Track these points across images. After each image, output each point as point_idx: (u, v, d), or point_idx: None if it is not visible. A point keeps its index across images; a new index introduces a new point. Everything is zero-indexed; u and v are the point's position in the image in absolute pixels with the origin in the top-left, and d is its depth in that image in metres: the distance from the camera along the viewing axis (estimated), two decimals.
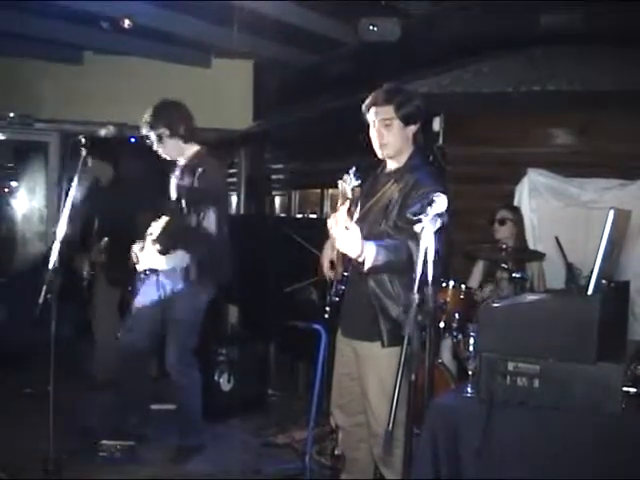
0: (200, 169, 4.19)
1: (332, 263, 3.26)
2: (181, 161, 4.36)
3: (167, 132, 4.23)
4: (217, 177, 4.37)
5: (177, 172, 4.37)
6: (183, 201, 4.21)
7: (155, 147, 4.29)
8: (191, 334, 4.28)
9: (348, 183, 2.79)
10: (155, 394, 4.85)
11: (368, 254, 2.84)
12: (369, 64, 6.34)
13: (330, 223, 2.89)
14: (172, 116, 4.27)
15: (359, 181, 2.89)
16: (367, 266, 2.88)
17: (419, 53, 5.99)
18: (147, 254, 4.24)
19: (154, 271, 4.26)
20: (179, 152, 4.33)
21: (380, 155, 3.23)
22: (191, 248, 4.17)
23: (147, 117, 4.25)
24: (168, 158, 4.36)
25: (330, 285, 3.21)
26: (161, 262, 4.19)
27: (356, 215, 3.21)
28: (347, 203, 2.82)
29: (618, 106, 5.04)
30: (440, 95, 5.34)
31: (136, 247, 4.30)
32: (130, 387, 4.43)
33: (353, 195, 2.85)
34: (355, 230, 2.83)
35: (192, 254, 4.17)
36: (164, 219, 4.23)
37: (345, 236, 2.81)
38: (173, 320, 4.24)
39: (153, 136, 4.26)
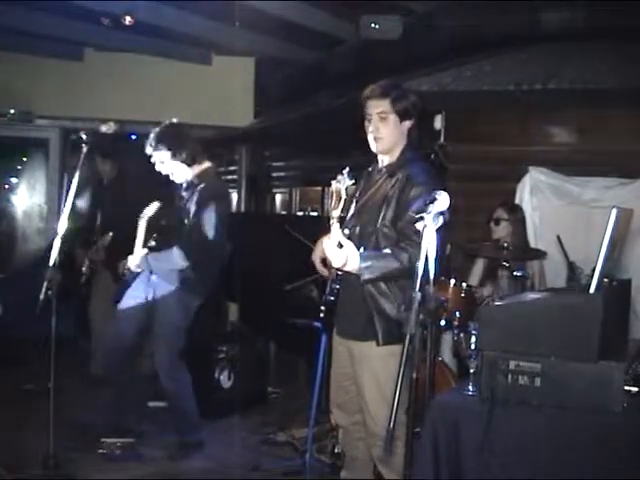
0: (200, 188, 4.23)
1: (324, 261, 3.25)
2: (186, 180, 4.35)
3: (169, 155, 4.23)
4: (215, 197, 4.30)
5: (180, 187, 4.38)
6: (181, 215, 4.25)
7: (157, 168, 4.29)
8: (179, 338, 4.28)
9: (342, 183, 2.78)
10: (152, 391, 4.85)
11: (365, 268, 2.87)
12: (370, 62, 6.34)
13: (324, 241, 2.90)
14: (175, 139, 4.25)
15: (353, 181, 2.89)
16: (364, 279, 2.91)
17: (420, 51, 6.00)
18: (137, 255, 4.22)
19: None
20: (182, 174, 4.32)
21: (374, 149, 3.23)
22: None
23: (151, 138, 4.25)
24: (173, 179, 4.35)
25: (325, 284, 3.21)
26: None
27: (350, 212, 3.22)
28: (341, 203, 2.82)
29: (620, 104, 5.04)
30: (441, 93, 5.34)
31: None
32: (120, 383, 4.43)
33: (347, 195, 2.85)
34: (349, 247, 2.83)
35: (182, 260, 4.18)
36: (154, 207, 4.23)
37: (339, 254, 2.81)
38: (161, 323, 4.24)
39: (155, 157, 4.26)
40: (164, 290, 4.23)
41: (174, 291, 4.23)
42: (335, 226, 2.82)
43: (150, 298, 4.25)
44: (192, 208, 4.20)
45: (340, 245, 2.85)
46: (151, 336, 4.31)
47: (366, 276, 2.92)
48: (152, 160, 4.26)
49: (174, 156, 4.23)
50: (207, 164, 4.37)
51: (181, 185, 4.34)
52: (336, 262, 2.89)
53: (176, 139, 4.26)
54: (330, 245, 2.85)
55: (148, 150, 4.25)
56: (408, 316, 2.36)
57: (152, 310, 4.26)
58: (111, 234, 5.33)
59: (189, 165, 4.28)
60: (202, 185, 4.25)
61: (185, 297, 4.26)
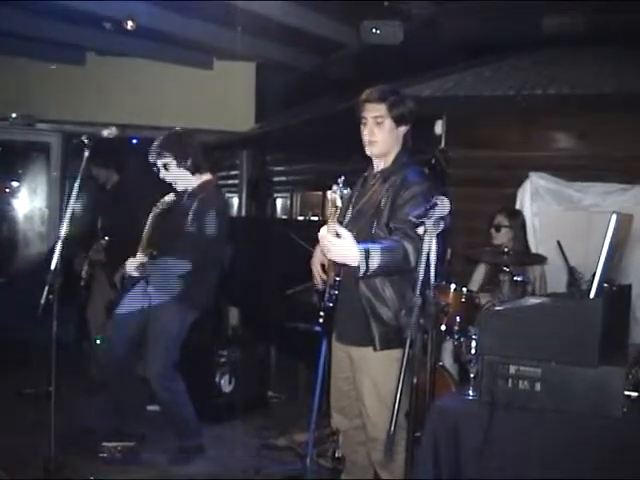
0: (200, 198, 4.22)
1: (324, 267, 3.25)
2: (186, 189, 4.34)
3: (174, 162, 4.22)
4: (215, 208, 4.28)
5: (180, 196, 4.36)
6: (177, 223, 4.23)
7: (161, 175, 4.28)
8: (173, 350, 4.26)
9: (337, 193, 2.78)
10: (150, 395, 4.84)
11: (363, 259, 2.82)
12: (371, 67, 6.34)
13: (322, 233, 2.88)
14: (181, 146, 4.24)
15: (347, 190, 2.89)
16: (362, 271, 2.85)
17: (421, 56, 6.00)
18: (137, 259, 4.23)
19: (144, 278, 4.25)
20: (185, 182, 4.30)
21: (368, 152, 3.23)
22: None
23: (156, 144, 4.23)
24: (175, 187, 4.34)
25: (323, 290, 3.20)
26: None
27: (347, 218, 3.22)
28: (337, 212, 2.82)
29: (620, 109, 5.04)
30: (442, 98, 5.34)
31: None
32: (118, 388, 4.43)
33: (343, 203, 2.85)
34: (348, 237, 2.81)
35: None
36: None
37: (338, 244, 2.79)
38: (155, 335, 4.23)
39: (159, 164, 4.24)
40: (160, 301, 4.21)
41: (170, 303, 4.20)
42: (332, 222, 2.82)
43: (146, 308, 4.24)
44: (191, 218, 4.19)
45: (337, 236, 2.83)
46: (146, 346, 4.30)
47: (365, 267, 2.83)
48: (156, 166, 4.25)
49: (179, 163, 4.22)
50: (208, 175, 4.37)
51: (181, 194, 4.34)
52: (333, 251, 2.83)
53: (182, 146, 4.25)
54: (327, 235, 2.82)
55: (151, 158, 4.23)
56: (408, 321, 2.36)
57: (147, 320, 4.24)
58: (107, 238, 5.33)
59: (193, 173, 4.28)
60: (202, 195, 4.25)
61: (181, 310, 4.24)
